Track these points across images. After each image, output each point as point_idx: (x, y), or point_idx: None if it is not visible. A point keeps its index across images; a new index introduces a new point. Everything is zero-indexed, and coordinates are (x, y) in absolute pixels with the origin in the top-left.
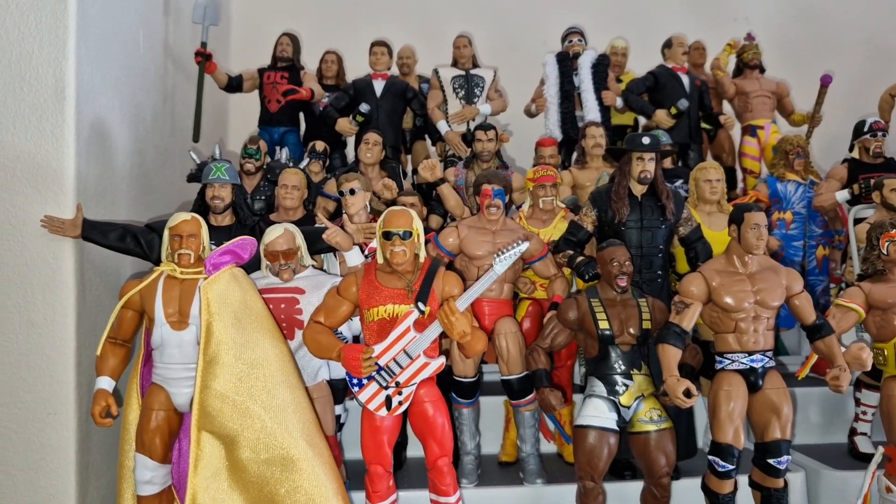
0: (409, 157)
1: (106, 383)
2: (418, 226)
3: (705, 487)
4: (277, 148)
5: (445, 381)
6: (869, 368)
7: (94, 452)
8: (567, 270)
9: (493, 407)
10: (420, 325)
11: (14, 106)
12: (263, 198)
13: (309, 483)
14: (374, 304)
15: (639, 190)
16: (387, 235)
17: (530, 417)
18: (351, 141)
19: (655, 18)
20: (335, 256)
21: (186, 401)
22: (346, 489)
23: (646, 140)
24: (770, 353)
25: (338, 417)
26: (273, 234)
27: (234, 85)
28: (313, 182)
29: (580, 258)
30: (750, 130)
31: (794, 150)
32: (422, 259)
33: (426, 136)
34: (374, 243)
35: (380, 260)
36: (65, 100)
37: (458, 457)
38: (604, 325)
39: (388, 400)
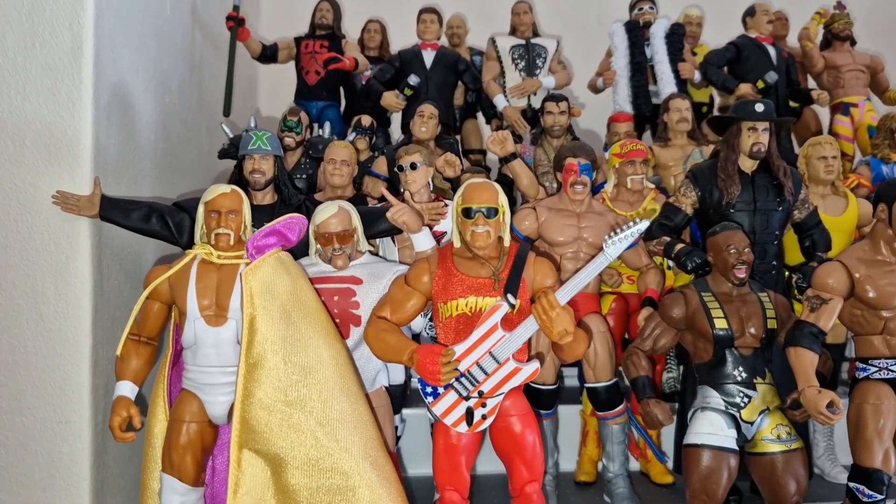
0: (458, 136)
1: (127, 389)
2: (504, 202)
3: None
4: (315, 125)
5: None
6: None
7: (111, 468)
8: (659, 260)
9: (565, 416)
10: (508, 323)
11: (25, 65)
12: (304, 176)
13: None
14: (452, 297)
15: (749, 166)
16: (467, 213)
17: (619, 432)
18: (396, 119)
19: None
20: (393, 242)
21: (224, 411)
22: None
23: (759, 107)
24: None
25: (394, 430)
26: (325, 212)
27: (268, 55)
28: (359, 160)
29: (680, 245)
30: (842, 108)
31: None
32: (507, 243)
33: (479, 113)
34: (444, 225)
35: (457, 244)
36: (82, 58)
37: None
38: (721, 323)
39: (470, 413)
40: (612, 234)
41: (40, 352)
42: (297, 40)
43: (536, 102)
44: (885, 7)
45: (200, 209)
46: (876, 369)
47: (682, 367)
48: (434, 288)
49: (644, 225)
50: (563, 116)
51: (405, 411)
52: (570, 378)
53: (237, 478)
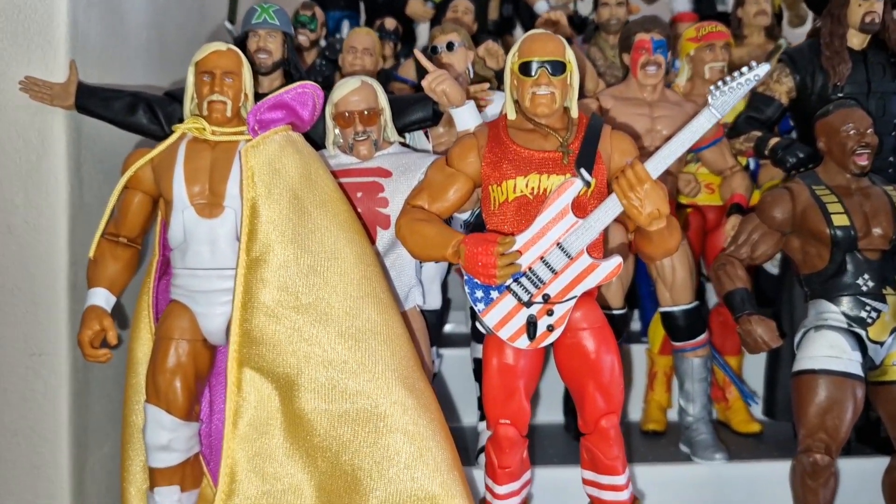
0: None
1: (101, 298)
2: (573, 59)
3: None
4: (336, 34)
5: None
6: None
7: (94, 410)
8: (744, 161)
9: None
10: (580, 210)
11: None
12: (320, 80)
13: (410, 449)
14: (508, 176)
15: (859, 42)
16: (526, 69)
17: (701, 367)
18: (423, 31)
19: None
20: (427, 138)
21: (222, 325)
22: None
23: None
24: None
25: (431, 364)
26: (346, 87)
27: None
28: (384, 67)
29: (776, 139)
30: None
31: None
32: (574, 114)
33: (514, 30)
34: (495, 107)
35: (511, 115)
36: None
37: None
38: (840, 220)
39: (532, 323)
40: (719, 84)
41: (8, 271)
42: None
43: (584, 8)
44: None
45: (190, 73)
46: None
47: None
48: (484, 168)
49: (765, 68)
50: (620, 9)
51: (449, 352)
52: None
53: (237, 404)
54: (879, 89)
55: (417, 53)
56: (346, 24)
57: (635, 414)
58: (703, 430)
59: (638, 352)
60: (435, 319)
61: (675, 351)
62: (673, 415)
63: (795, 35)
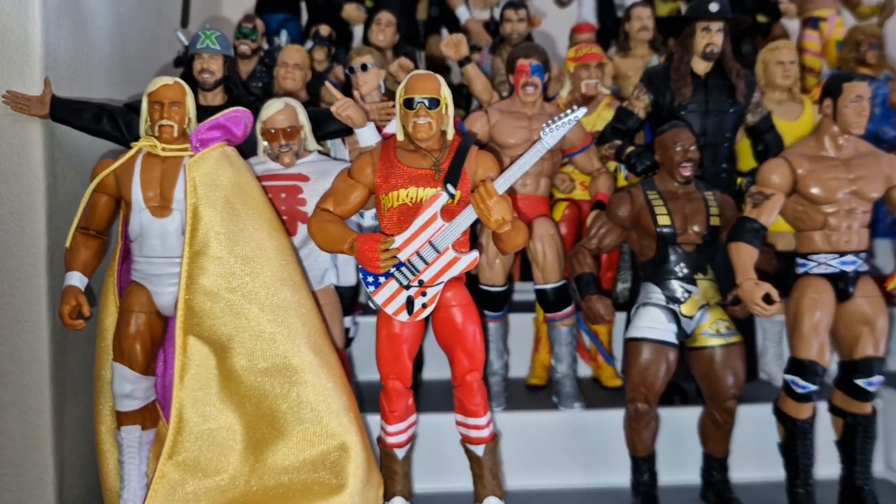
0: (422, 53)
1: (76, 279)
2: (447, 94)
3: (779, 413)
4: (275, 38)
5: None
6: None
7: (70, 366)
8: (613, 165)
9: (519, 325)
10: (448, 213)
11: None
12: (260, 85)
13: (315, 397)
14: (393, 188)
15: (703, 68)
16: (409, 104)
17: (567, 333)
18: (358, 32)
19: None
20: (344, 144)
21: (171, 301)
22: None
23: (713, 6)
24: (864, 255)
25: (346, 331)
26: (272, 108)
27: None
28: (317, 71)
29: (631, 148)
30: (811, 23)
31: (866, 40)
32: (450, 137)
33: (442, 28)
34: (392, 126)
35: (400, 137)
36: None
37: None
38: (664, 220)
39: (410, 302)
40: (549, 122)
41: None
42: None
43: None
44: None
45: (144, 101)
46: (815, 264)
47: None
48: (376, 180)
49: (581, 112)
50: (521, 24)
51: (359, 318)
52: (527, 293)
53: (183, 363)
54: (716, 109)
55: (327, 85)
56: (283, 33)
57: (523, 371)
58: (567, 384)
59: (528, 320)
60: (350, 294)
61: (547, 320)
62: None
63: None
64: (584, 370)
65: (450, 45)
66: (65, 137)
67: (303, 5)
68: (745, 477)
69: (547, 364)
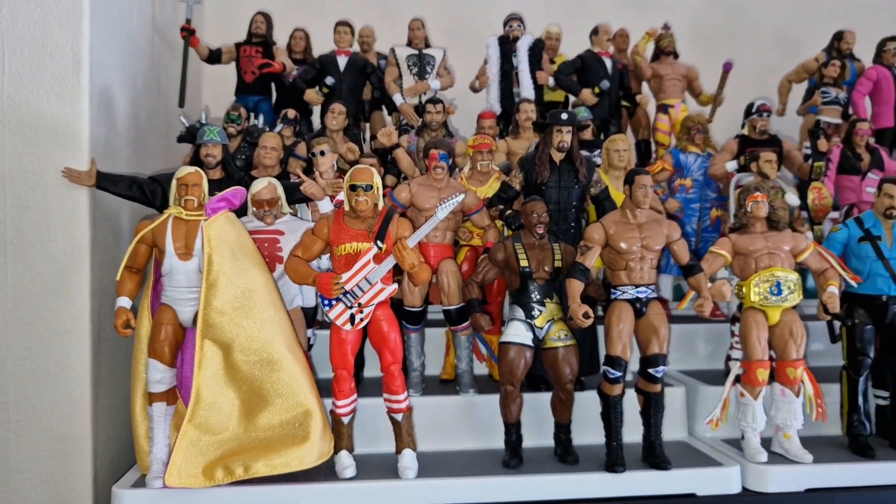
0: (367, 124)
1: (125, 302)
2: (378, 181)
3: (600, 392)
4: (251, 115)
5: (398, 310)
6: (727, 300)
7: (103, 367)
8: (499, 222)
9: (436, 337)
10: (378, 259)
11: (38, 75)
12: (243, 157)
13: (290, 378)
14: (341, 242)
15: (558, 157)
16: (352, 188)
17: (465, 341)
18: (317, 110)
19: (591, 6)
20: (307, 206)
21: (190, 317)
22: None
23: (564, 116)
24: (653, 287)
25: (308, 339)
26: (259, 185)
27: (213, 57)
28: (286, 145)
29: (509, 212)
30: (662, 109)
31: (695, 126)
32: (380, 207)
33: (383, 106)
34: (341, 195)
35: (346, 208)
36: (80, 70)
37: (407, 373)
38: (524, 263)
39: (352, 317)
40: (441, 202)
41: (53, 282)
42: (237, 46)
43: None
44: (708, 19)
45: (174, 183)
46: (621, 292)
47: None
48: (331, 236)
49: (461, 197)
50: (438, 115)
51: (318, 331)
52: (439, 312)
53: (200, 357)
54: (566, 185)
55: (298, 172)
56: (261, 117)
57: (439, 370)
58: (465, 376)
59: (441, 332)
60: (311, 312)
61: (452, 331)
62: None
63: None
64: (483, 369)
65: (384, 135)
66: (103, 200)
67: (274, 87)
68: (585, 441)
69: (454, 363)
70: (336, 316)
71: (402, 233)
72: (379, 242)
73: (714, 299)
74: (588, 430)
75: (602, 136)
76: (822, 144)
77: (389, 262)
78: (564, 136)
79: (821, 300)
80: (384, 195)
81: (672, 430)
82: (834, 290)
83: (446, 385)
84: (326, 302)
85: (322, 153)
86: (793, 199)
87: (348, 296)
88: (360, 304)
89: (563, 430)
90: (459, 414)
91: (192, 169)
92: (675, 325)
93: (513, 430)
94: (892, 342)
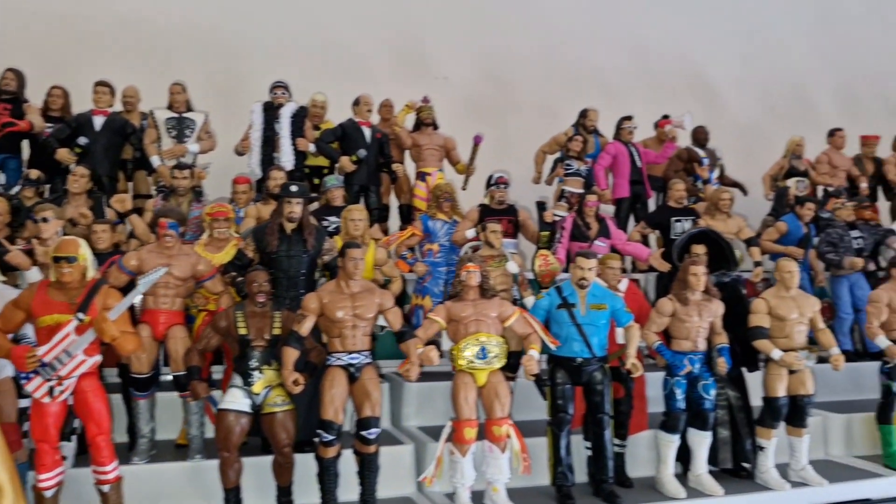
0: (130, 183)
1: None
2: (85, 252)
3: (316, 455)
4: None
5: (126, 377)
6: (436, 363)
7: None
8: (233, 289)
9: (176, 401)
10: (79, 331)
11: None
12: None
13: None
14: (43, 313)
15: (289, 227)
16: (56, 259)
17: (194, 406)
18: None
19: (371, 74)
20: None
21: None
22: (19, 472)
23: (293, 188)
24: (367, 353)
25: (26, 409)
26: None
27: None
28: (24, 206)
29: (240, 279)
30: (421, 176)
31: (442, 195)
32: (89, 278)
33: (143, 167)
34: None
35: (52, 278)
36: None
37: (135, 440)
38: (243, 331)
39: (51, 389)
40: (143, 275)
41: None
42: None
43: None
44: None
45: None
46: (336, 359)
47: None
48: (34, 307)
49: (158, 274)
50: (185, 181)
51: None
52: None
53: None
54: (295, 254)
55: (4, 242)
56: (2, 175)
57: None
58: (195, 441)
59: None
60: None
61: (180, 396)
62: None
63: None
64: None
65: (117, 202)
66: None
67: (26, 144)
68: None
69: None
70: (34, 389)
71: (109, 304)
72: (80, 315)
73: (423, 363)
74: (313, 491)
75: (364, 201)
76: (548, 216)
77: (91, 334)
78: (294, 207)
79: (521, 363)
80: (112, 262)
81: (400, 486)
82: (534, 353)
83: (181, 450)
84: (23, 375)
85: (45, 219)
86: (513, 266)
87: (46, 368)
88: (59, 377)
89: (283, 493)
90: (186, 480)
91: None
92: (416, 385)
93: (231, 495)
94: (591, 399)
